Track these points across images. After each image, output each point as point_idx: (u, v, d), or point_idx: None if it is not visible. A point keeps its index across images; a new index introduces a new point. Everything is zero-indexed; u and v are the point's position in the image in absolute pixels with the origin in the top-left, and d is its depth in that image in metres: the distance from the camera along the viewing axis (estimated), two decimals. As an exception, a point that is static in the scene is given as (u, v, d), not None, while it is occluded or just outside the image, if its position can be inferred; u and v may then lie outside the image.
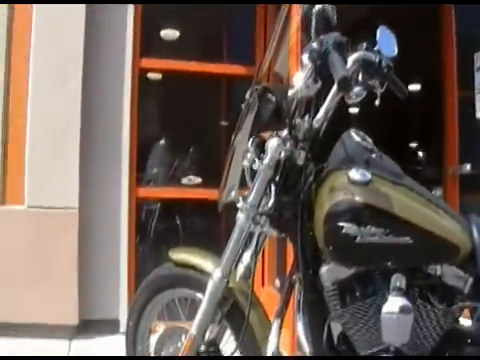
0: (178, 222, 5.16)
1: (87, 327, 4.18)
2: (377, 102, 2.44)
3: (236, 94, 5.18)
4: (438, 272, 2.44)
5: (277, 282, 3.61)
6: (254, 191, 2.48)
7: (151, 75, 5.15)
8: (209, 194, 4.37)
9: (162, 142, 5.34)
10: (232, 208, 2.52)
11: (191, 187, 4.77)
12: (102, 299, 4.21)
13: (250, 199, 2.48)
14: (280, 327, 2.48)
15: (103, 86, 4.40)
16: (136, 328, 2.86)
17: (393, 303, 2.35)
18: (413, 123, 6.44)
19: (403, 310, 2.34)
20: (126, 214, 4.28)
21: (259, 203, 2.48)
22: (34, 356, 2.51)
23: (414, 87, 7.80)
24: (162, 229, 5.07)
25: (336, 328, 2.55)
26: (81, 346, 4.01)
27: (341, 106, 2.49)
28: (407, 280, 2.40)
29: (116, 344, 3.64)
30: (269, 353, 2.45)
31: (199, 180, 4.76)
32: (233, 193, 2.50)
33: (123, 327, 3.94)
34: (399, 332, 2.37)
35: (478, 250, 2.45)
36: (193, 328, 2.60)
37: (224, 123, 5.55)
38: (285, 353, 2.94)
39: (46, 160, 4.21)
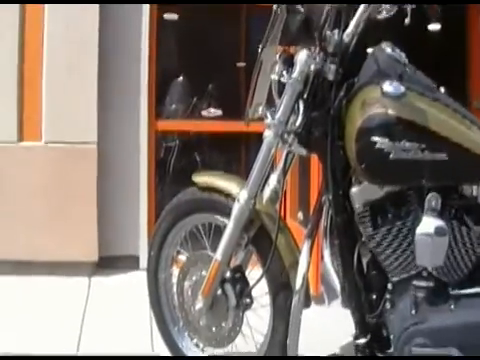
0: (197, 158, 5.07)
1: (107, 264, 4.12)
2: (407, 20, 2.31)
3: (255, 26, 5.03)
4: (474, 193, 2.33)
5: (300, 215, 3.51)
6: (282, 107, 2.37)
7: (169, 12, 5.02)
8: (229, 126, 4.29)
9: (181, 79, 5.23)
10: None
11: (211, 119, 4.66)
12: (122, 235, 4.14)
13: (278, 115, 2.37)
14: (310, 249, 2.39)
15: (121, 22, 4.29)
16: (158, 257, 2.78)
17: (428, 224, 2.25)
18: (436, 57, 6.27)
19: (438, 231, 2.23)
20: (145, 148, 4.20)
21: (287, 120, 2.37)
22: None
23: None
24: (181, 166, 4.98)
25: (366, 254, 2.47)
26: (101, 282, 3.97)
27: (371, 22, 2.36)
28: (442, 200, 2.30)
29: (136, 280, 3.57)
30: (299, 278, 2.36)
31: (219, 113, 4.65)
32: (260, 109, 2.39)
33: (143, 263, 3.89)
34: (434, 255, 2.26)
35: (516, 169, 2.34)
36: (218, 253, 2.51)
37: (243, 57, 5.42)
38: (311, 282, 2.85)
39: (63, 95, 4.12)
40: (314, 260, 3.45)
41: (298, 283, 2.35)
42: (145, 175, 4.20)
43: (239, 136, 4.78)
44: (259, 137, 2.48)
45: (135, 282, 3.25)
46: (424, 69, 2.39)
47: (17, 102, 4.16)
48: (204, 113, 4.71)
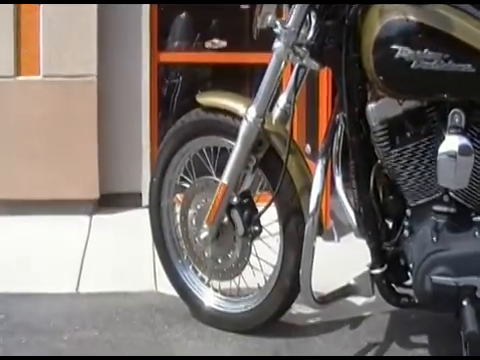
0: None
1: (109, 201, 3.96)
2: None
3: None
4: (500, 111, 2.17)
5: (308, 148, 3.35)
6: (293, 15, 2.23)
7: None
8: (234, 57, 4.12)
9: (184, 14, 5.05)
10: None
11: (215, 51, 4.49)
12: (124, 172, 3.98)
13: (289, 24, 2.22)
14: (325, 169, 2.23)
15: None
16: (161, 183, 2.64)
17: (451, 142, 2.10)
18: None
19: (463, 150, 2.09)
20: (147, 81, 4.00)
21: (299, 30, 2.21)
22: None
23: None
24: (185, 102, 4.80)
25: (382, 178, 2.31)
26: (102, 220, 3.82)
27: None
28: (466, 117, 2.13)
29: (138, 218, 3.44)
30: (313, 199, 2.22)
31: (224, 44, 4.48)
32: (270, 17, 2.22)
33: (146, 201, 3.74)
34: (457, 176, 2.11)
35: None
36: (224, 177, 2.38)
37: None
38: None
39: (62, 28, 3.93)
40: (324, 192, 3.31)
41: (312, 205, 2.22)
42: (147, 109, 4.02)
43: (244, 69, 4.62)
44: (265, 69, 2.33)
45: (137, 220, 3.13)
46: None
47: (14, 36, 3.99)
48: (208, 45, 4.53)
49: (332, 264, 2.98)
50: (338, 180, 2.35)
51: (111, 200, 3.98)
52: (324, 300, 2.35)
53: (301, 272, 2.27)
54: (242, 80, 4.71)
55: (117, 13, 4.03)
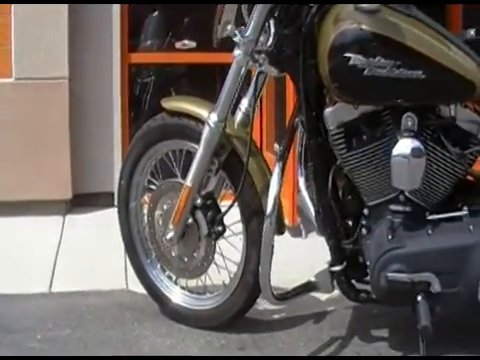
0: (173, 93, 4.96)
1: (82, 201, 4.02)
2: None
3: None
4: (451, 113, 2.26)
5: (276, 147, 3.41)
6: (252, 24, 2.29)
7: None
8: (204, 57, 4.19)
9: (156, 13, 5.10)
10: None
11: (185, 51, 4.55)
12: (96, 172, 4.02)
13: (248, 32, 2.30)
14: (282, 172, 2.31)
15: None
16: (129, 185, 2.70)
17: (404, 145, 2.19)
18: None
19: (415, 152, 2.18)
20: (118, 82, 4.05)
21: (258, 38, 2.29)
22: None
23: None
24: (157, 101, 4.84)
25: (341, 178, 2.39)
26: (75, 220, 3.87)
27: None
28: (419, 121, 2.22)
29: (111, 217, 3.47)
30: (270, 201, 2.29)
31: (194, 44, 4.53)
32: (229, 27, 2.29)
33: (118, 200, 3.80)
34: (410, 177, 2.20)
35: (494, 89, 2.26)
36: (188, 180, 2.45)
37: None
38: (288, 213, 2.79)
39: (33, 29, 3.97)
40: (290, 190, 3.39)
41: (269, 207, 2.28)
42: (118, 109, 4.07)
43: (214, 68, 4.67)
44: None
45: (110, 219, 3.17)
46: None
47: (-15, 38, 4.02)
48: (178, 45, 4.59)
49: (298, 260, 3.06)
50: (301, 180, 2.43)
51: (84, 200, 4.03)
52: (284, 296, 2.42)
53: (260, 270, 2.33)
54: (213, 79, 4.75)
55: (88, 15, 4.07)
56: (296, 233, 3.37)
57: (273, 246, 2.38)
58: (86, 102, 4.06)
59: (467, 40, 4.25)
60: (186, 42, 4.58)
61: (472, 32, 4.18)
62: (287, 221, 3.60)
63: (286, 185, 3.21)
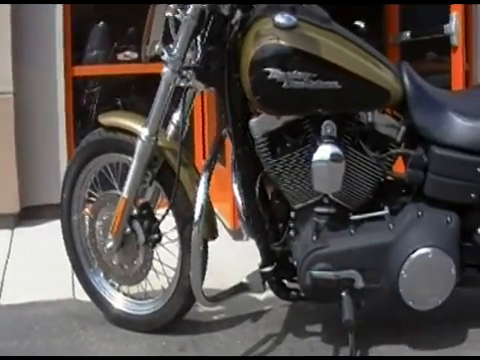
0: (119, 103, 5.05)
1: (29, 214, 4.09)
2: None
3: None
4: (370, 120, 2.41)
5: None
6: (178, 43, 2.40)
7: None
8: (147, 68, 4.25)
9: (101, 24, 5.17)
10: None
11: (128, 62, 4.64)
12: (43, 185, 4.07)
13: (175, 51, 2.40)
14: (208, 181, 2.43)
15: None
16: (70, 199, 2.79)
17: (323, 151, 2.32)
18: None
19: (334, 157, 2.31)
20: (62, 95, 4.13)
21: (184, 56, 2.40)
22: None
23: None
24: (104, 112, 4.93)
25: (270, 184, 2.53)
26: (23, 233, 3.94)
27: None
28: (338, 128, 2.37)
29: (57, 228, 3.54)
30: (197, 209, 2.40)
31: (136, 56, 4.62)
32: (157, 46, 2.40)
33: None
34: (330, 181, 2.34)
35: (409, 97, 2.42)
36: (124, 191, 2.55)
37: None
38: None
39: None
40: (231, 195, 3.51)
41: (196, 214, 2.39)
42: (63, 122, 4.14)
43: (159, 78, 4.75)
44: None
45: (57, 231, 3.23)
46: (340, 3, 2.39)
47: None
48: (120, 57, 4.69)
49: (239, 262, 3.18)
50: (235, 186, 2.54)
51: (32, 213, 4.10)
52: (216, 298, 2.53)
53: (191, 274, 2.44)
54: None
55: (31, 29, 4.12)
56: (238, 236, 3.51)
57: (207, 251, 2.51)
58: (31, 116, 4.13)
59: (403, 42, 4.46)
60: (128, 53, 4.67)
61: (408, 34, 4.39)
62: (229, 225, 3.75)
63: (227, 191, 3.34)
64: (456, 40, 3.75)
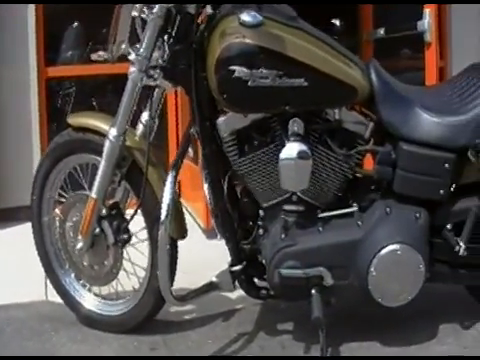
0: (94, 104, 5.04)
1: (2, 216, 4.06)
2: None
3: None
4: (337, 117, 2.41)
5: (190, 151, 3.54)
6: (145, 42, 2.39)
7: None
8: (117, 68, 4.26)
9: (76, 24, 5.15)
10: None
11: (102, 63, 4.62)
12: (16, 187, 4.04)
13: (141, 50, 2.39)
14: (174, 181, 2.42)
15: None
16: (40, 200, 2.78)
17: (290, 148, 2.33)
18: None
19: (301, 155, 2.31)
20: (36, 96, 4.10)
21: (151, 55, 2.39)
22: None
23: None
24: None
25: (238, 183, 2.53)
26: (-1, 235, 3.94)
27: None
28: (305, 125, 2.37)
29: (30, 230, 3.54)
30: (163, 209, 2.39)
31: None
32: (124, 46, 2.40)
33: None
34: (298, 178, 2.35)
35: (377, 93, 2.43)
36: (93, 192, 2.54)
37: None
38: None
39: None
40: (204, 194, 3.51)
41: (163, 214, 2.39)
42: (36, 123, 4.13)
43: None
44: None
45: (30, 232, 3.23)
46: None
47: None
48: (94, 57, 4.67)
49: (211, 261, 3.17)
50: (205, 186, 2.54)
51: (4, 214, 4.07)
52: (185, 298, 2.53)
53: (158, 273, 2.43)
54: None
55: (4, 31, 4.11)
56: (212, 235, 3.51)
57: (177, 250, 2.51)
58: (5, 117, 4.11)
59: (377, 39, 4.47)
60: (101, 53, 4.65)
61: (382, 31, 4.41)
62: (202, 224, 3.75)
63: (200, 190, 3.33)
64: (429, 37, 3.78)
